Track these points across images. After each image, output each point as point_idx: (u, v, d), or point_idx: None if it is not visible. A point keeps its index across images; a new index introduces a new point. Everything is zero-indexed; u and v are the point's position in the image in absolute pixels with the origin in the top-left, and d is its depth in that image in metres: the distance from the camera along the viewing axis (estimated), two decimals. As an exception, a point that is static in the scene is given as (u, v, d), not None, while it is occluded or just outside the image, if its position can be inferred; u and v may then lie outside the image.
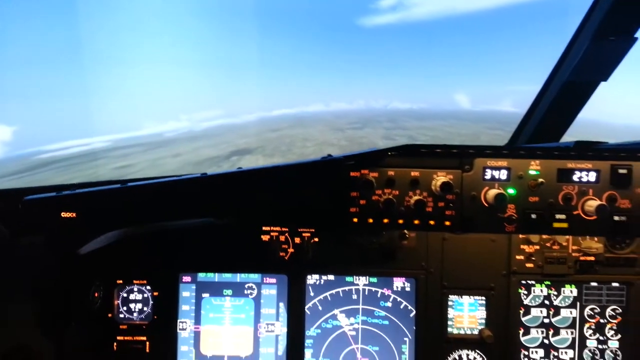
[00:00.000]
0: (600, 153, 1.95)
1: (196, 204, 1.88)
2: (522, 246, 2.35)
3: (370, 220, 1.96)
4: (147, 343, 2.36)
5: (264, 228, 2.37)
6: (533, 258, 2.35)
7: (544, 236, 2.32)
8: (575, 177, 1.94)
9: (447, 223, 1.96)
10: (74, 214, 1.77)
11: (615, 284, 2.36)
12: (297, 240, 2.38)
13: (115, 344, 2.34)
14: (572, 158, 1.94)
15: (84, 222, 1.77)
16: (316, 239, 2.38)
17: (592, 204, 1.89)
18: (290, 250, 2.38)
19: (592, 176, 1.94)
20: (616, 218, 1.93)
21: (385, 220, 1.96)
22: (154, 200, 1.86)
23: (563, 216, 1.94)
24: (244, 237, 2.38)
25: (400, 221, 1.96)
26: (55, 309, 1.97)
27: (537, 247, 2.34)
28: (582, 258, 2.34)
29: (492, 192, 1.90)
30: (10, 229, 1.73)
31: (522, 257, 2.35)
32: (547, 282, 2.37)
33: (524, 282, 2.37)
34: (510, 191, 1.95)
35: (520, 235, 2.33)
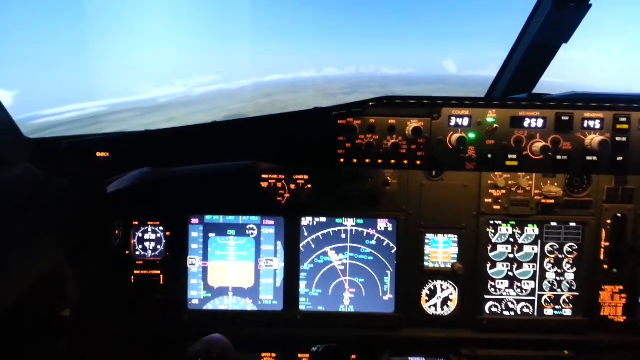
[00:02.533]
0: (547, 103, 2.26)
1: (204, 148, 2.18)
2: (490, 191, 2.66)
3: (355, 160, 2.28)
4: (161, 276, 2.68)
5: (263, 176, 2.66)
6: (500, 201, 2.67)
7: (510, 182, 2.64)
8: (525, 124, 2.27)
9: (418, 162, 2.29)
10: (108, 154, 2.05)
11: (572, 224, 2.69)
12: (293, 186, 2.68)
13: (132, 277, 2.67)
14: (523, 108, 2.26)
15: (115, 161, 2.05)
16: (309, 186, 2.67)
17: (538, 145, 2.22)
18: (287, 195, 2.68)
19: (540, 122, 2.26)
20: (558, 157, 2.26)
21: (367, 160, 2.28)
22: (172, 143, 2.15)
23: (514, 156, 2.28)
24: (246, 184, 2.67)
25: (380, 161, 2.28)
26: (84, 243, 2.27)
27: (504, 191, 2.66)
28: (543, 201, 2.66)
29: (455, 136, 2.23)
30: (45, 170, 2.00)
31: (490, 200, 2.67)
32: (512, 222, 2.70)
33: (491, 222, 2.70)
34: (471, 135, 2.27)
35: (489, 181, 2.64)
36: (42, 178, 2.00)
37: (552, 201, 2.65)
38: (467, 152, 2.30)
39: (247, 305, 2.74)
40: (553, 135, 2.29)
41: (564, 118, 2.28)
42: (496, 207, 2.67)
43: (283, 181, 2.67)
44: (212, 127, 2.22)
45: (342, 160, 2.30)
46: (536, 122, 2.29)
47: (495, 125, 2.27)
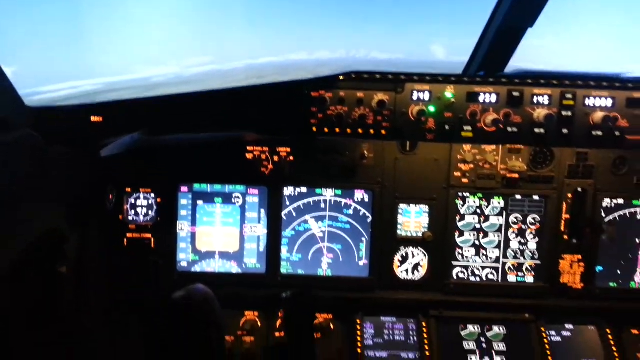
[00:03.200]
0: (500, 80, 2.47)
1: (190, 115, 2.38)
2: (459, 165, 2.85)
3: (326, 130, 2.48)
4: (152, 240, 2.88)
5: (248, 148, 2.84)
6: (468, 174, 2.86)
7: (478, 156, 2.83)
8: (480, 99, 2.47)
9: (383, 132, 2.49)
10: (101, 119, 2.23)
11: (535, 197, 2.89)
12: (276, 158, 2.86)
13: (125, 240, 2.86)
14: (479, 84, 2.47)
15: (108, 126, 2.24)
16: (291, 158, 2.86)
17: (490, 118, 2.42)
18: (270, 166, 2.87)
19: (494, 98, 2.47)
20: (509, 129, 2.47)
21: (337, 130, 2.49)
22: (161, 109, 2.34)
23: (469, 127, 2.48)
24: (232, 155, 2.85)
25: (349, 130, 2.49)
26: (80, 204, 2.45)
27: (472, 165, 2.85)
28: (508, 175, 2.85)
29: (416, 109, 2.43)
30: (44, 137, 2.18)
31: (459, 174, 2.86)
32: (480, 195, 2.90)
33: (460, 194, 2.89)
34: (431, 109, 2.46)
35: (459, 156, 2.83)
36: (41, 143, 2.17)
37: (517, 176, 2.85)
38: (427, 123, 2.51)
39: (232, 268, 2.94)
40: (505, 109, 2.50)
41: (514, 94, 2.49)
42: (465, 180, 2.87)
43: (267, 153, 2.85)
44: (197, 96, 2.42)
45: (314, 129, 2.50)
46: (490, 97, 2.50)
47: (452, 100, 2.47)
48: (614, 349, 2.79)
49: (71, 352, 2.18)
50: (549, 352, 2.76)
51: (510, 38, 2.74)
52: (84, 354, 2.28)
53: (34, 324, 2.22)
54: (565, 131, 2.51)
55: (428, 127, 2.51)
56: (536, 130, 2.51)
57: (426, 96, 2.52)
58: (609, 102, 2.53)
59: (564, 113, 2.51)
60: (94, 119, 2.30)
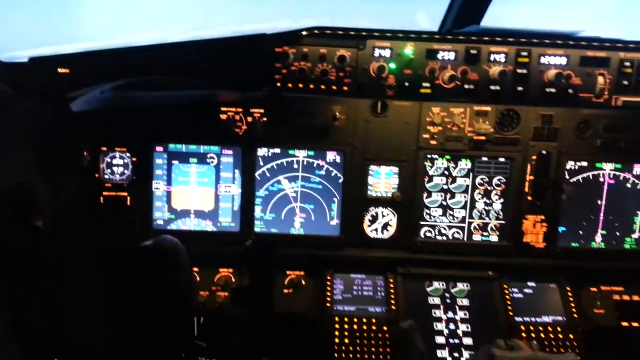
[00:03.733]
0: (458, 37, 2.55)
1: (158, 66, 2.44)
2: (428, 127, 2.93)
3: (290, 85, 2.54)
4: (128, 198, 2.95)
5: (221, 108, 2.89)
6: (436, 136, 2.94)
7: (446, 119, 2.90)
8: (439, 56, 2.54)
9: (345, 88, 2.57)
10: (68, 70, 2.28)
11: (501, 159, 2.98)
12: (249, 119, 2.92)
13: (101, 197, 2.94)
14: (438, 41, 2.53)
15: (75, 77, 2.29)
16: (265, 119, 2.92)
17: (447, 74, 2.50)
18: (244, 127, 2.93)
19: (452, 55, 2.54)
20: (466, 86, 2.54)
21: (300, 85, 2.56)
22: (129, 61, 2.40)
23: (428, 84, 2.55)
24: (206, 116, 2.91)
25: (312, 86, 2.56)
26: (53, 158, 2.51)
27: (440, 127, 2.93)
28: (475, 137, 2.93)
29: (377, 65, 2.48)
30: (16, 92, 2.22)
31: (428, 136, 2.94)
32: (447, 157, 2.98)
33: (429, 156, 2.97)
34: (392, 65, 2.52)
35: (427, 119, 2.90)
36: (14, 97, 2.22)
37: (484, 138, 2.93)
38: (388, 80, 2.58)
39: (207, 226, 3.03)
40: (462, 66, 2.58)
41: (472, 51, 2.56)
42: (433, 142, 2.95)
43: (241, 114, 2.91)
44: (163, 48, 2.48)
45: (278, 84, 2.57)
46: (448, 54, 2.57)
47: (412, 57, 2.53)
48: (572, 305, 2.92)
49: (46, 299, 2.28)
50: (510, 308, 2.88)
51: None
52: (57, 300, 2.37)
53: (14, 275, 2.31)
54: (520, 88, 2.60)
55: (388, 83, 2.59)
56: (492, 87, 2.59)
57: (387, 53, 2.58)
58: (563, 60, 2.61)
59: (519, 70, 2.59)
60: (60, 70, 2.35)
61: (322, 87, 2.61)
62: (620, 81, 2.67)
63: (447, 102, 2.82)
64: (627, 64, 2.65)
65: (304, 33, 2.58)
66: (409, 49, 2.60)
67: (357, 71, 2.63)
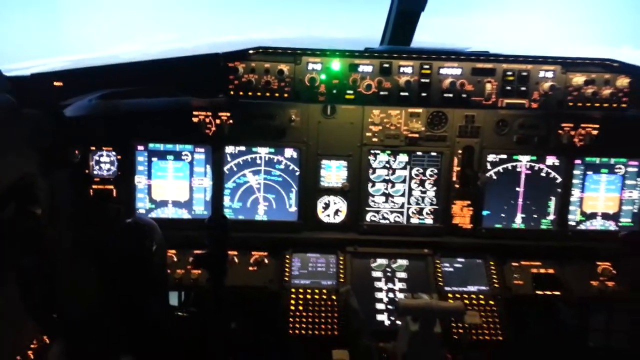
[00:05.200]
0: (373, 54, 3.15)
1: (135, 81, 2.96)
2: (370, 127, 3.44)
3: (241, 93, 3.05)
4: (114, 190, 3.42)
5: (194, 112, 3.37)
6: (377, 135, 3.45)
7: (385, 120, 3.41)
8: (359, 69, 3.09)
9: (285, 95, 3.10)
10: (62, 83, 2.76)
11: (433, 153, 3.50)
12: (218, 121, 3.40)
13: (91, 190, 3.40)
14: (358, 58, 3.13)
15: (67, 89, 2.77)
16: (231, 121, 3.40)
17: (365, 83, 3.07)
18: (213, 128, 3.41)
19: (369, 68, 3.10)
20: (381, 93, 3.08)
21: (250, 93, 3.06)
22: (112, 75, 2.90)
23: (351, 91, 3.08)
24: (181, 119, 3.39)
25: (259, 93, 3.09)
26: (50, 156, 2.97)
27: (380, 127, 3.44)
28: (410, 135, 3.45)
29: (309, 77, 3.02)
30: (18, 100, 2.69)
31: (370, 134, 3.45)
32: (388, 152, 3.49)
33: (372, 151, 3.48)
34: (322, 77, 3.05)
35: (369, 119, 3.41)
36: (16, 105, 2.68)
37: (417, 135, 3.45)
38: (319, 88, 3.11)
39: (183, 214, 3.51)
40: (378, 77, 3.13)
41: (385, 65, 3.12)
42: (375, 139, 3.46)
43: (210, 117, 3.39)
44: (141, 65, 2.99)
45: (232, 92, 3.08)
46: (367, 67, 3.13)
47: (338, 70, 3.08)
48: (495, 277, 3.42)
49: (44, 269, 2.74)
50: (440, 280, 3.39)
51: (408, 19, 3.34)
52: (53, 269, 2.83)
53: (19, 251, 2.76)
54: (424, 94, 3.15)
55: (320, 91, 3.12)
56: (401, 93, 3.13)
57: (318, 67, 3.13)
58: (458, 71, 3.16)
59: (422, 80, 3.14)
60: (56, 83, 2.83)
61: (267, 94, 3.14)
62: (504, 87, 3.22)
63: (385, 105, 3.35)
64: (509, 73, 3.21)
65: (251, 52, 3.13)
66: (335, 64, 3.14)
67: (294, 81, 3.17)
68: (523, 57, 3.21)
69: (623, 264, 3.40)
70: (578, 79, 3.20)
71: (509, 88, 3.18)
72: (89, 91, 2.92)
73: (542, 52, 3.30)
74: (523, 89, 3.18)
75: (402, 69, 3.15)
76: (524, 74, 3.18)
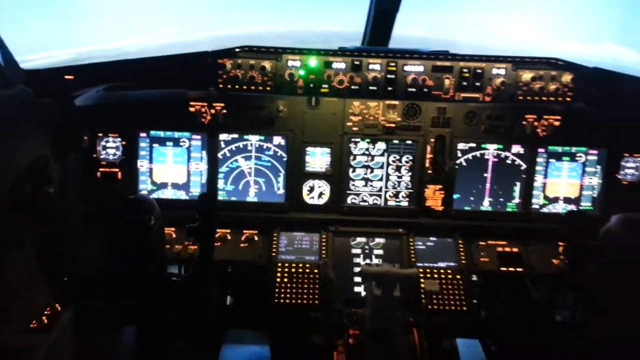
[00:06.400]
0: (345, 53, 3.53)
1: (137, 76, 3.33)
2: (351, 117, 3.77)
3: (229, 86, 3.40)
4: (119, 173, 3.78)
5: (190, 103, 3.72)
6: (357, 124, 3.78)
7: (364, 111, 3.75)
8: (333, 66, 3.46)
9: (268, 88, 3.49)
10: (73, 77, 3.12)
11: (408, 142, 3.83)
12: (212, 111, 3.74)
13: (98, 172, 3.76)
14: (332, 56, 3.51)
15: (78, 82, 3.13)
16: (225, 112, 3.75)
17: (339, 78, 3.48)
18: (208, 118, 3.75)
19: (342, 65, 3.47)
20: (352, 87, 3.44)
21: (237, 87, 3.41)
22: (117, 69, 3.27)
23: (326, 86, 3.45)
24: (179, 109, 3.73)
25: (245, 87, 3.43)
26: (62, 141, 3.33)
27: (360, 117, 3.77)
28: (387, 125, 3.78)
29: (288, 72, 3.39)
30: (33, 91, 3.04)
31: (351, 124, 3.79)
32: (367, 140, 3.83)
33: (353, 139, 3.82)
34: (301, 72, 3.42)
35: (350, 110, 3.75)
36: (32, 95, 3.04)
37: (394, 125, 3.78)
38: (298, 82, 3.48)
39: (181, 195, 3.86)
40: (350, 73, 3.51)
41: (356, 63, 3.49)
42: (355, 128, 3.79)
43: (205, 107, 3.73)
44: (142, 61, 3.37)
45: (221, 86, 3.44)
46: (340, 64, 3.50)
47: (314, 66, 3.44)
48: (463, 254, 3.76)
49: (57, 240, 3.11)
50: (413, 256, 3.73)
51: (385, 18, 3.69)
52: (65, 240, 3.20)
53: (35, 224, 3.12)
54: (390, 88, 3.50)
55: (299, 85, 3.50)
56: (370, 87, 3.50)
57: (297, 64, 3.51)
58: (420, 68, 3.52)
59: (388, 76, 3.51)
60: (67, 77, 3.20)
61: (252, 87, 3.53)
62: (461, 82, 3.60)
63: (364, 98, 3.69)
64: (465, 70, 3.58)
65: (237, 50, 3.52)
66: (312, 61, 3.52)
67: (276, 76, 3.56)
68: (477, 56, 3.59)
69: (566, 243, 3.71)
70: (527, 75, 3.57)
71: (465, 83, 3.54)
72: (97, 84, 3.29)
73: (528, 50, 3.66)
74: (477, 84, 3.55)
75: (370, 66, 3.52)
76: (479, 71, 3.56)
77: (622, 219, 3.02)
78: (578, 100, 3.55)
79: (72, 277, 3.17)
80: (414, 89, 3.53)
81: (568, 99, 3.54)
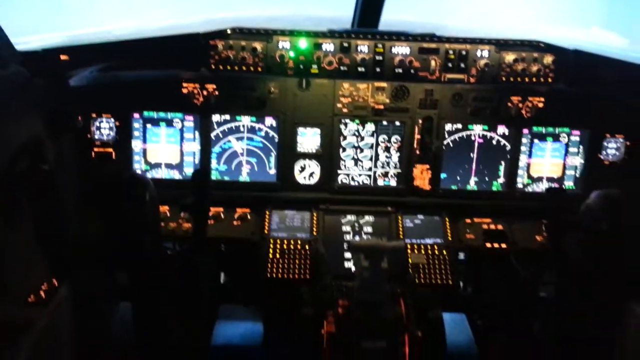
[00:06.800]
0: (334, 35, 3.61)
1: (130, 56, 3.39)
2: (341, 98, 3.85)
3: (221, 67, 3.48)
4: (113, 153, 3.85)
5: (183, 84, 3.78)
6: (347, 106, 3.86)
7: (353, 93, 3.83)
8: (322, 47, 3.55)
9: (259, 69, 3.55)
10: (68, 57, 3.17)
11: (397, 123, 3.92)
12: (205, 92, 3.81)
13: (93, 153, 3.83)
14: (321, 38, 3.60)
15: (73, 63, 3.18)
16: (217, 93, 3.81)
17: (328, 60, 3.57)
18: (201, 99, 3.81)
19: (331, 47, 3.60)
20: (341, 68, 3.53)
21: (228, 67, 3.49)
22: (111, 50, 3.33)
23: (316, 66, 3.53)
24: (172, 90, 3.79)
25: (236, 68, 3.51)
26: (56, 120, 3.38)
27: (350, 99, 3.86)
28: (376, 106, 3.86)
29: (279, 53, 3.47)
30: (29, 71, 3.09)
31: (340, 105, 3.87)
32: (357, 121, 3.92)
33: (342, 120, 3.91)
34: (291, 54, 3.52)
35: (340, 92, 3.83)
36: (27, 76, 3.09)
37: (382, 107, 3.87)
38: (289, 64, 3.55)
39: (175, 175, 3.94)
40: (339, 54, 3.58)
41: (344, 44, 3.58)
42: (345, 110, 3.88)
43: (198, 89, 3.80)
44: (135, 42, 3.43)
45: (212, 66, 3.52)
46: (329, 46, 3.58)
47: (304, 48, 3.53)
48: (449, 232, 3.88)
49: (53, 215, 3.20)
50: (401, 233, 3.85)
51: (374, 2, 3.77)
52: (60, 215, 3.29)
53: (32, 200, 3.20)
54: (378, 69, 3.59)
55: (289, 66, 3.57)
56: (359, 68, 3.58)
57: (287, 45, 3.58)
58: (407, 50, 3.60)
59: (376, 57, 3.60)
60: (62, 57, 3.25)
61: (243, 68, 3.60)
62: (446, 64, 3.69)
63: (353, 80, 3.77)
64: (451, 52, 3.67)
65: (229, 31, 3.60)
66: (302, 43, 3.59)
67: (267, 57, 3.63)
68: (462, 39, 3.68)
69: (547, 220, 3.84)
70: (509, 57, 3.67)
71: (450, 65, 3.63)
72: (91, 64, 3.34)
73: (516, 33, 3.77)
74: (462, 65, 3.64)
75: (359, 48, 3.60)
76: (464, 53, 3.65)
77: (601, 194, 3.15)
78: (559, 81, 3.65)
79: (69, 251, 3.26)
80: (401, 70, 3.61)
81: (549, 80, 3.65)
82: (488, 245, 3.90)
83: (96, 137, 3.83)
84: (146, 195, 3.01)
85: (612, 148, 3.98)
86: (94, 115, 3.79)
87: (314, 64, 3.62)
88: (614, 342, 3.49)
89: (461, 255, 4.06)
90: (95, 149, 3.82)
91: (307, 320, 3.06)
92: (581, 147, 4.00)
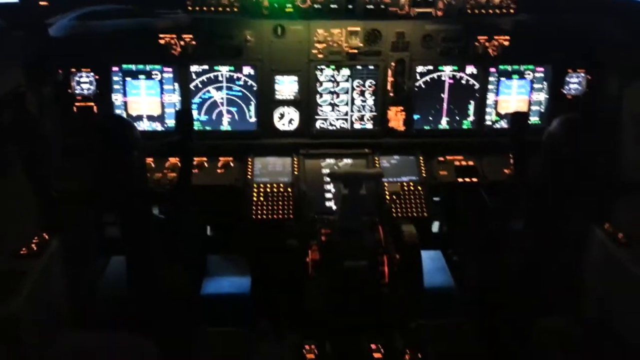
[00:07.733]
0: None
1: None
2: (316, 44, 3.96)
3: (197, 9, 3.61)
4: (95, 107, 3.91)
5: (160, 35, 3.84)
6: (322, 52, 3.97)
7: (328, 38, 3.94)
8: None
9: (235, 10, 3.64)
10: (47, 2, 3.22)
11: (370, 67, 4.06)
12: (182, 43, 3.87)
13: (74, 107, 3.89)
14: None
15: (52, 8, 3.24)
16: (194, 43, 3.88)
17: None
18: (178, 49, 3.87)
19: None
20: (315, 6, 3.66)
21: (205, 9, 3.59)
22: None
23: (290, 5, 3.65)
24: (149, 41, 3.85)
25: (212, 9, 3.61)
26: (36, 73, 3.44)
27: (324, 45, 3.97)
28: (350, 51, 3.98)
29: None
30: (7, 23, 3.12)
31: (316, 51, 3.98)
32: (332, 66, 4.04)
33: (318, 66, 4.03)
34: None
35: (314, 37, 3.94)
36: (6, 28, 3.12)
37: (356, 51, 3.99)
38: (263, 3, 3.62)
39: (157, 127, 4.03)
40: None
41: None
42: (320, 55, 4.00)
43: (175, 39, 3.86)
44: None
45: (189, 8, 3.64)
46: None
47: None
48: (423, 169, 4.07)
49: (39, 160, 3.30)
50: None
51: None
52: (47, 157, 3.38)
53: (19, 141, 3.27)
54: (350, 6, 3.68)
55: (264, 5, 3.62)
56: (332, 5, 3.66)
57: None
58: None
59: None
60: (41, 3, 3.28)
61: (220, 9, 3.64)
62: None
63: (327, 19, 3.86)
64: None
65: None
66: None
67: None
68: None
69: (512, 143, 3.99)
70: None
71: (418, 0, 3.74)
72: (71, 10, 3.38)
73: None
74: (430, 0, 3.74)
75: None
76: None
77: (561, 120, 3.37)
78: (521, 12, 3.81)
79: (56, 201, 3.37)
80: (372, 6, 3.72)
81: (511, 11, 3.80)
82: (460, 180, 4.12)
83: (77, 91, 3.88)
84: (132, 134, 3.12)
85: (574, 82, 4.20)
86: (73, 70, 3.83)
87: (288, 3, 3.69)
88: (580, 265, 3.77)
89: (436, 198, 4.26)
90: (77, 103, 3.88)
91: (291, 251, 3.24)
92: (545, 83, 4.21)
